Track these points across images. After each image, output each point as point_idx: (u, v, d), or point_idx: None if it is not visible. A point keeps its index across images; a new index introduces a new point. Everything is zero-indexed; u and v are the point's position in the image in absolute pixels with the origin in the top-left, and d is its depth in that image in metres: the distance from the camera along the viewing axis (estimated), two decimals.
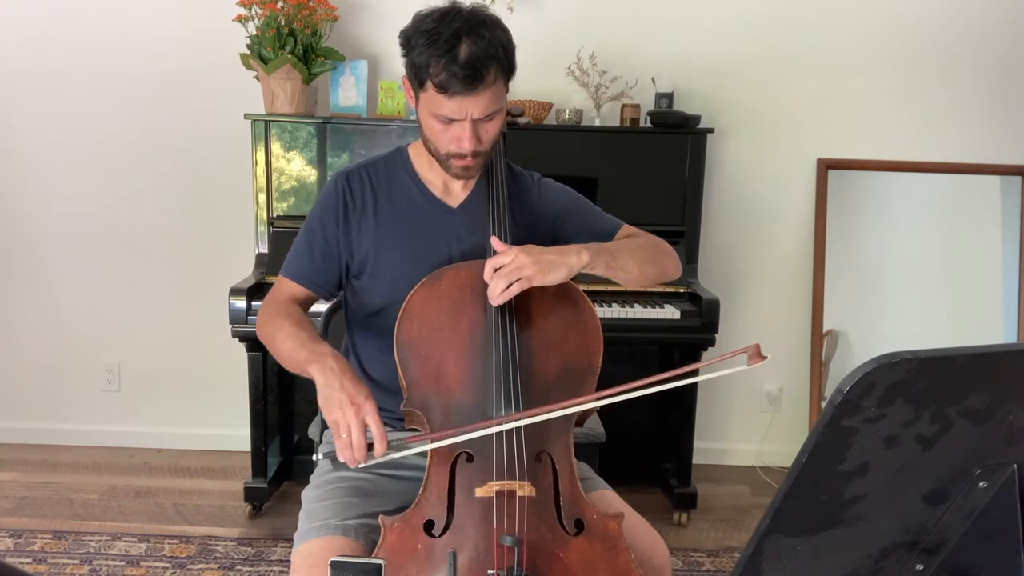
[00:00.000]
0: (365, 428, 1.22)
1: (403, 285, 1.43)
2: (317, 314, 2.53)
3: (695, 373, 1.36)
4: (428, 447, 1.29)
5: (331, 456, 1.24)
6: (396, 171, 1.57)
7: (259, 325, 1.50)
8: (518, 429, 1.28)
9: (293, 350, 1.37)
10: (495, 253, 1.38)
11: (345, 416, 1.22)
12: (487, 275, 1.34)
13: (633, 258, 1.49)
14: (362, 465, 1.23)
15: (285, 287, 1.55)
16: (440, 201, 1.56)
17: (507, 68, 1.41)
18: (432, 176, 1.56)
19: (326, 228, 1.53)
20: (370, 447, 1.23)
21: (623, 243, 1.54)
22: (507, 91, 1.45)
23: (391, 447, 1.23)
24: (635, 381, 1.23)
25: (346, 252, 1.54)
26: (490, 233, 1.45)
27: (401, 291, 1.42)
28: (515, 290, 1.32)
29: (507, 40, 1.40)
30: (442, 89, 1.35)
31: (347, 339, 1.63)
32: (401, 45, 1.42)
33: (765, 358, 1.16)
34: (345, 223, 1.52)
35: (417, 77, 1.39)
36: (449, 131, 1.41)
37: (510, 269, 1.32)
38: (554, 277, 1.35)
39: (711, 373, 1.27)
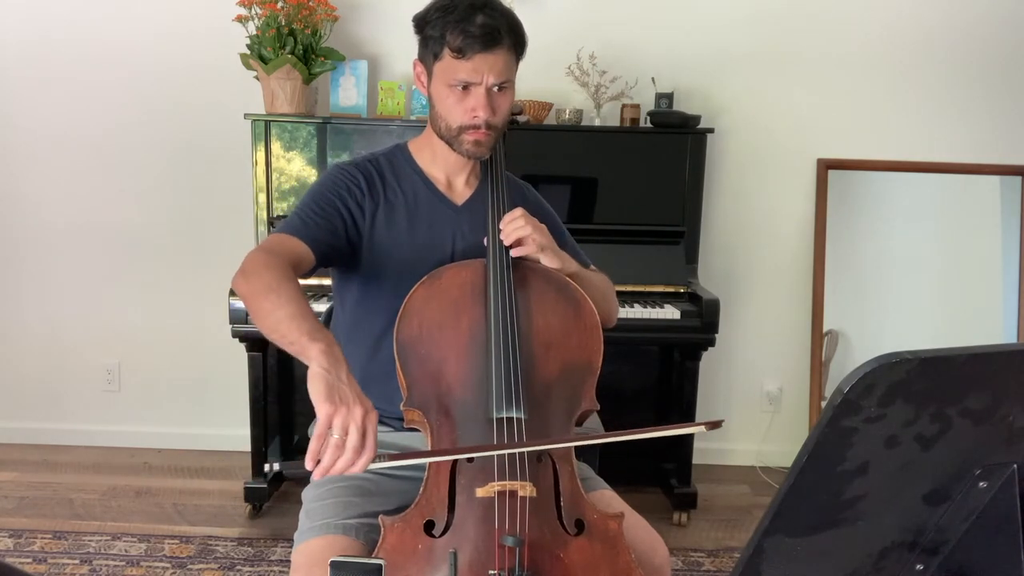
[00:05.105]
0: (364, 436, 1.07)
1: (408, 278, 1.41)
2: (318, 314, 2.54)
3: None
4: (396, 463, 1.20)
5: (294, 468, 1.04)
6: (400, 165, 1.56)
7: (245, 272, 1.27)
8: (519, 430, 1.28)
9: (290, 318, 1.17)
10: (499, 243, 1.45)
11: (351, 414, 1.06)
12: (504, 223, 1.44)
13: (597, 291, 1.55)
14: (326, 476, 1.05)
15: (283, 240, 1.37)
16: (445, 197, 1.55)
17: (519, 45, 1.45)
18: (435, 171, 1.56)
19: (332, 197, 1.47)
20: None
21: (592, 275, 1.60)
22: (516, 71, 1.48)
23: (374, 461, 1.09)
24: (636, 430, 1.25)
25: (352, 231, 1.47)
26: (492, 228, 1.46)
27: (405, 284, 1.41)
28: (516, 237, 1.43)
29: (518, 21, 1.45)
30: (460, 52, 1.39)
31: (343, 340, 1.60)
32: (415, 26, 1.46)
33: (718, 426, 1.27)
34: (357, 206, 1.49)
35: (432, 50, 1.43)
36: (465, 101, 1.43)
37: (527, 228, 1.43)
38: (549, 260, 1.45)
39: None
